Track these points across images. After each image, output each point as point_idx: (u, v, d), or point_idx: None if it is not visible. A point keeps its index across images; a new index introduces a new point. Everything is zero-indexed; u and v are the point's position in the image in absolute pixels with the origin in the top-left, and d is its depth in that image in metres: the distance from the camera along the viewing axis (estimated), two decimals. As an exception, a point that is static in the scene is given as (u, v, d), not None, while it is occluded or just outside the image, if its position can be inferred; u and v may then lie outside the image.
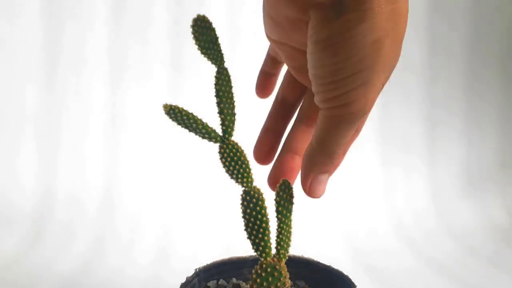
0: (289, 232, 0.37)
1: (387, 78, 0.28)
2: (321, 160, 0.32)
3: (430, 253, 0.83)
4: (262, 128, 0.40)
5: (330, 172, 0.34)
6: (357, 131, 0.34)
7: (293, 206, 0.37)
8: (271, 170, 0.39)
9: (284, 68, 0.40)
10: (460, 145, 1.07)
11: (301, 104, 0.38)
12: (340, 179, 0.38)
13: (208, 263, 0.43)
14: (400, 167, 1.03)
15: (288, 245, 0.37)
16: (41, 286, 0.66)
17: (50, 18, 0.91)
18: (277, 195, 0.36)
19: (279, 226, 0.36)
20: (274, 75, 0.40)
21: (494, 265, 0.79)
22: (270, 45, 0.38)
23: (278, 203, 0.36)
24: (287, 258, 0.37)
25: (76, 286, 0.67)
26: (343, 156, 0.36)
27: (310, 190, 0.33)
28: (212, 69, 0.34)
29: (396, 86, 1.03)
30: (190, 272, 0.42)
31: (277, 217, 0.37)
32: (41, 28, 0.91)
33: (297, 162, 0.38)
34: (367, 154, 1.00)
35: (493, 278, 0.74)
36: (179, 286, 0.40)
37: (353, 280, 0.40)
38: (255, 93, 0.41)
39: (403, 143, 1.04)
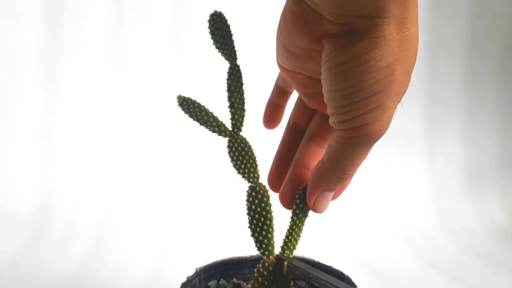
0: (299, 236, 0.37)
1: (399, 102, 0.29)
2: (331, 179, 0.33)
3: (430, 252, 0.83)
4: (276, 154, 0.41)
5: (337, 191, 0.35)
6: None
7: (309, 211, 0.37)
8: (283, 185, 0.39)
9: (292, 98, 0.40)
10: (460, 145, 1.08)
11: (310, 124, 0.39)
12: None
13: (209, 263, 0.43)
14: (400, 167, 1.03)
15: (295, 247, 0.37)
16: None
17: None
18: (298, 197, 0.37)
19: (291, 227, 0.37)
20: (282, 105, 0.41)
21: (494, 265, 0.79)
22: (278, 76, 0.39)
23: (297, 205, 0.37)
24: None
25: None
26: (351, 177, 0.37)
27: (315, 205, 0.35)
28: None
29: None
30: (190, 272, 0.42)
31: (292, 218, 0.37)
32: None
33: (309, 176, 0.38)
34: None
35: (493, 278, 0.75)
36: (179, 285, 0.40)
37: (353, 280, 0.40)
38: (262, 124, 0.41)
39: (403, 143, 1.05)
